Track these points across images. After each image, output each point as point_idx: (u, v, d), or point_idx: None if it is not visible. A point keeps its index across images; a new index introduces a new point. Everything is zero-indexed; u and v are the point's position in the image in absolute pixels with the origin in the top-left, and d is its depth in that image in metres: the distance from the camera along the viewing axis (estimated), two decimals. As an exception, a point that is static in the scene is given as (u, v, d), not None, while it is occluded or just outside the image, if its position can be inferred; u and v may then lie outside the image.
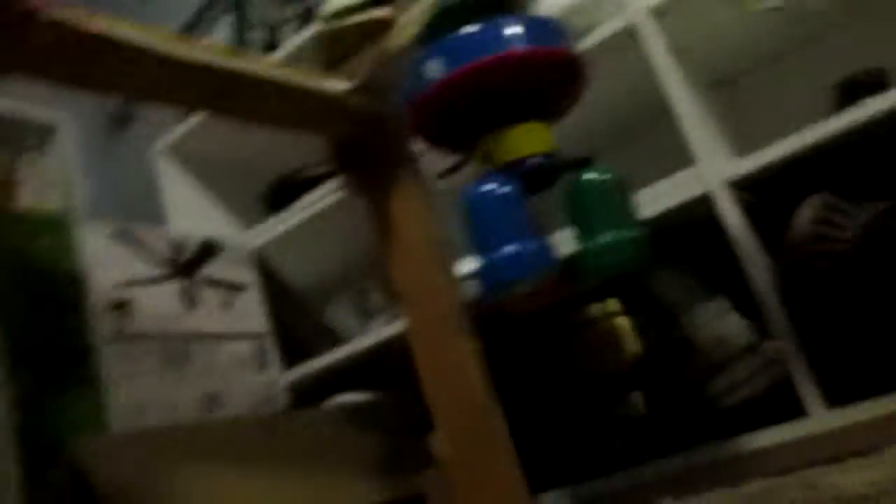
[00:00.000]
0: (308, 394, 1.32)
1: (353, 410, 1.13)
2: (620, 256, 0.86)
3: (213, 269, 1.10)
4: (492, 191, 0.88)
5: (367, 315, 1.59)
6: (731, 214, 1.09)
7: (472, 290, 0.92)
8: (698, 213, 1.12)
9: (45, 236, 0.86)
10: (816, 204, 1.08)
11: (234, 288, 1.13)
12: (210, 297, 1.08)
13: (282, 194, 1.61)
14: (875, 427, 0.97)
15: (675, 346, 1.23)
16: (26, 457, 0.77)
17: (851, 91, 1.06)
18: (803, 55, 1.29)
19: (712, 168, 1.11)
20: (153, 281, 0.96)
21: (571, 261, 0.89)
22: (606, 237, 0.86)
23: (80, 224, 0.96)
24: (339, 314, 1.60)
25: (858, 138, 1.03)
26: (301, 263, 1.51)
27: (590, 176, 0.89)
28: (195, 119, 1.64)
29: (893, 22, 1.22)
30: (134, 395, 0.92)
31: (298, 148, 1.65)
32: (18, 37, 0.61)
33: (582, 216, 0.89)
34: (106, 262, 0.92)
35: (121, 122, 2.43)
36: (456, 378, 1.06)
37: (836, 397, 1.01)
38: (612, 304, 1.28)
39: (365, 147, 1.12)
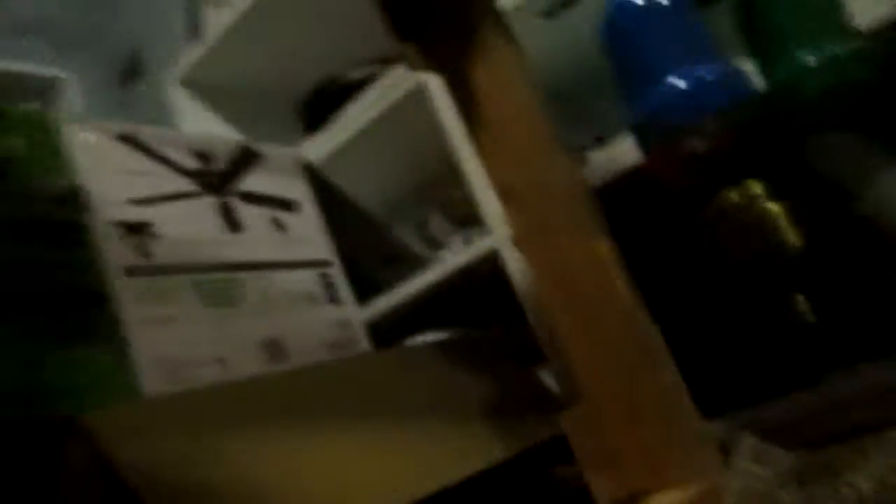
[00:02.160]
0: (385, 336, 1.08)
1: (451, 347, 0.89)
2: (840, 77, 0.59)
3: (253, 183, 0.85)
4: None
5: (440, 237, 1.34)
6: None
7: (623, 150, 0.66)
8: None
9: (18, 139, 0.61)
10: None
11: (285, 206, 0.88)
12: (255, 217, 0.83)
13: (320, 107, 1.36)
14: None
15: (848, 232, 0.96)
16: (31, 431, 0.54)
17: None
18: None
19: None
20: (178, 197, 0.72)
21: (772, 92, 0.62)
22: (812, 55, 0.59)
23: (70, 127, 0.71)
24: (405, 239, 1.35)
25: None
26: (357, 181, 1.26)
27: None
28: (203, 48, 1.40)
29: None
30: (165, 347, 0.67)
31: (329, 53, 1.39)
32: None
33: (769, 32, 0.61)
34: (110, 174, 0.68)
35: (129, 75, 2.26)
36: (589, 289, 0.80)
37: None
38: (755, 187, 1.00)
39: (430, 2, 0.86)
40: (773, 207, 1.01)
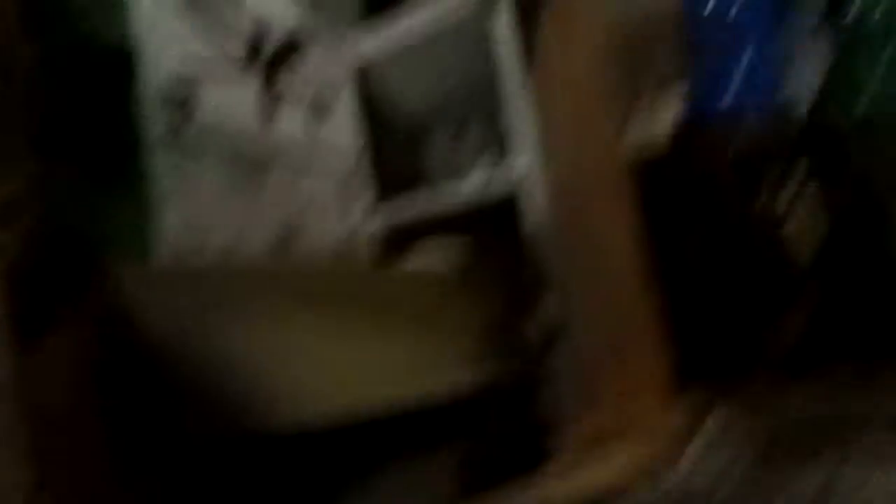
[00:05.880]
0: (401, 236, 1.12)
1: (450, 278, 0.92)
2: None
3: (295, 77, 0.87)
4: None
5: (468, 157, 1.35)
6: None
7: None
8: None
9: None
10: None
11: (321, 109, 0.90)
12: (290, 113, 0.85)
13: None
14: None
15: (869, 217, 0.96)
16: (51, 264, 0.58)
17: None
18: None
19: None
20: (223, 79, 0.74)
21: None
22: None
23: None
24: (437, 153, 1.36)
25: None
26: (400, 82, 1.25)
27: None
28: None
29: None
30: (192, 214, 0.71)
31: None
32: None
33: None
34: (167, 34, 0.70)
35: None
36: (605, 251, 0.83)
37: None
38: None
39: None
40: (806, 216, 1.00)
